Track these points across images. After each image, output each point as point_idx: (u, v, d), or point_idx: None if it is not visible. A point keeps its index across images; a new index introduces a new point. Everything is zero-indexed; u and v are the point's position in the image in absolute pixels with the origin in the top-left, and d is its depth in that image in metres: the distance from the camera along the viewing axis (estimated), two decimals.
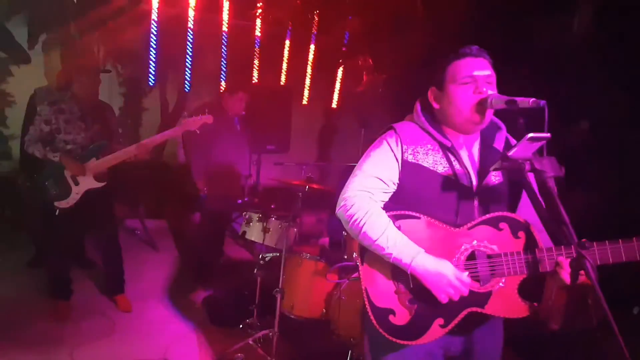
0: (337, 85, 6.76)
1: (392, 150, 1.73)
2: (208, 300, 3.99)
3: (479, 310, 1.62)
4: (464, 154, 1.74)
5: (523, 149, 1.46)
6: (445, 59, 1.74)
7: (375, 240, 1.63)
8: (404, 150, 1.72)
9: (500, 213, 1.65)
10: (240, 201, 5.70)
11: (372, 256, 1.69)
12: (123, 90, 5.96)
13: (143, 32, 5.36)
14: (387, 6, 5.28)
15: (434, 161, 1.71)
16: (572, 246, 1.46)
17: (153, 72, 5.58)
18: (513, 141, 1.81)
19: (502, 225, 1.63)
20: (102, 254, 3.85)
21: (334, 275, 3.39)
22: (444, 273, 1.57)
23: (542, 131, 1.45)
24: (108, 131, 3.60)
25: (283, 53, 6.38)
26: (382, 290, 1.68)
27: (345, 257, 3.31)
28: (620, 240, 1.49)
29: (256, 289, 3.51)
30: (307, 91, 6.66)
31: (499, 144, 1.79)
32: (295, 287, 3.34)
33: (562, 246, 1.55)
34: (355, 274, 3.24)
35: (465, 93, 1.66)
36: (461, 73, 1.67)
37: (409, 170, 1.71)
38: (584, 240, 1.41)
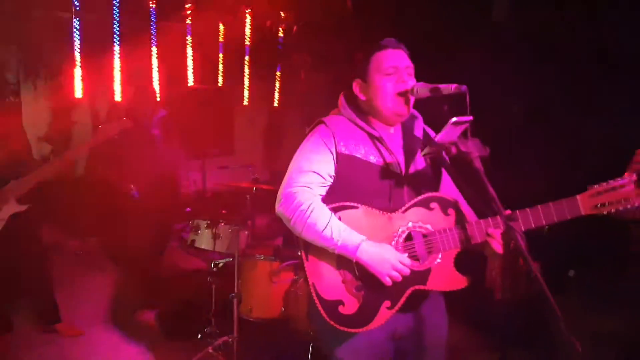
0: (277, 85, 6.77)
1: (326, 144, 1.77)
2: (161, 315, 3.87)
3: (422, 287, 1.70)
4: (390, 143, 1.81)
5: (448, 133, 1.54)
6: (367, 51, 1.80)
7: (321, 233, 1.66)
8: (337, 143, 1.77)
9: (430, 194, 1.73)
10: (188, 209, 5.64)
11: (316, 250, 1.72)
12: (49, 104, 5.69)
13: (64, 41, 5.14)
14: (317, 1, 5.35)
15: (366, 152, 1.77)
16: (499, 218, 1.57)
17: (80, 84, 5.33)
18: (429, 129, 1.91)
19: (433, 205, 1.71)
20: (31, 282, 3.55)
21: (289, 273, 3.43)
22: (386, 257, 1.63)
23: (465, 115, 1.53)
24: (23, 148, 3.38)
25: (218, 54, 6.31)
26: (329, 283, 1.72)
27: (300, 253, 3.33)
28: (538, 206, 1.59)
29: (211, 297, 3.47)
30: (247, 92, 6.63)
31: (418, 132, 1.88)
32: (252, 290, 3.33)
33: (489, 218, 1.64)
34: None
35: (390, 83, 1.73)
36: (384, 64, 1.75)
37: (343, 162, 1.75)
38: (509, 212, 1.50)
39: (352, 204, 1.72)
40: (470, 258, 1.70)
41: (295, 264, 3.39)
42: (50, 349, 3.43)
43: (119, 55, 5.44)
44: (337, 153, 1.76)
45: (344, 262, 1.70)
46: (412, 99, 1.74)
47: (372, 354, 1.78)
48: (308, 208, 1.68)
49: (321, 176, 1.75)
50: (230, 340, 3.17)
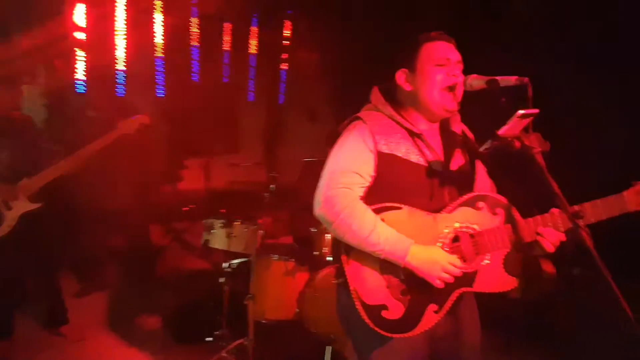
0: (283, 81, 6.68)
1: (365, 143, 1.70)
2: (168, 318, 3.75)
3: (469, 289, 1.63)
4: (431, 140, 1.74)
5: (513, 127, 1.47)
6: (417, 40, 1.74)
7: (366, 238, 1.59)
8: (377, 141, 1.69)
9: (477, 193, 1.66)
10: (186, 208, 5.53)
11: (358, 254, 1.64)
12: (45, 102, 5.55)
13: (66, 37, 5.00)
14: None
15: (406, 150, 1.70)
16: (555, 214, 1.53)
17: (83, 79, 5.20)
18: (464, 126, 1.84)
19: (480, 204, 1.64)
20: (41, 283, 3.48)
21: (303, 273, 3.35)
22: (436, 260, 1.57)
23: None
24: (34, 146, 3.27)
25: (222, 50, 6.21)
26: (372, 287, 1.64)
27: (316, 252, 3.26)
28: (585, 203, 1.55)
29: (222, 299, 3.34)
30: (252, 88, 6.54)
31: (456, 128, 1.81)
32: (266, 291, 3.24)
33: (539, 216, 1.58)
34: (326, 270, 3.21)
35: (441, 74, 1.67)
36: (436, 54, 1.69)
37: (384, 161, 1.68)
38: (576, 208, 1.45)
39: (395, 204, 1.65)
40: (519, 258, 1.63)
41: (312, 264, 3.33)
42: (52, 354, 3.30)
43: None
44: (377, 152, 1.68)
45: (389, 265, 1.62)
46: (459, 96, 1.66)
47: (411, 356, 1.71)
48: (352, 212, 1.61)
49: (362, 176, 1.68)
50: (245, 342, 3.08)
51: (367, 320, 1.62)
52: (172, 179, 6.32)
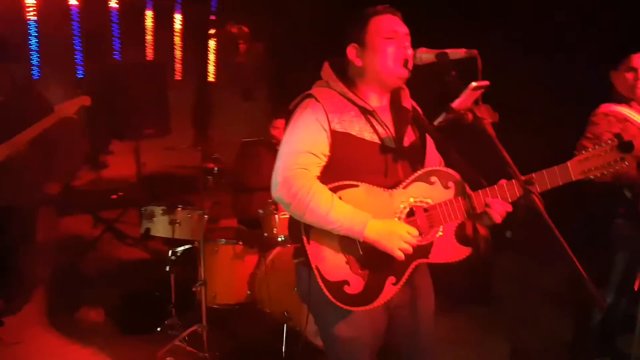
0: (212, 57, 6.46)
1: (319, 122, 1.69)
2: (115, 311, 3.61)
3: (425, 260, 1.70)
4: (383, 116, 1.76)
5: (465, 99, 1.51)
6: (365, 15, 1.75)
7: (324, 216, 1.60)
8: (330, 120, 1.69)
9: (430, 168, 1.71)
10: (114, 196, 5.29)
11: (318, 233, 1.66)
12: None
13: None
14: None
15: (360, 128, 1.72)
16: (503, 186, 1.62)
17: None
18: (413, 102, 1.87)
19: (433, 178, 1.70)
20: None
21: (253, 255, 3.34)
22: (394, 230, 1.61)
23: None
24: None
25: (145, 25, 5.89)
26: (332, 264, 1.67)
27: (265, 234, 3.25)
28: (532, 174, 1.62)
29: (170, 288, 3.26)
30: (179, 65, 6.28)
31: (406, 103, 1.84)
32: (215, 276, 3.21)
33: (487, 188, 1.66)
34: (276, 250, 3.21)
35: (391, 46, 1.69)
36: (384, 27, 1.70)
37: (338, 140, 1.69)
38: (528, 176, 1.54)
39: (352, 182, 1.67)
40: (470, 229, 1.71)
41: (261, 245, 3.32)
42: None
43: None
44: (331, 131, 1.68)
45: (347, 242, 1.66)
46: (410, 66, 1.69)
47: (371, 326, 1.77)
48: (309, 192, 1.61)
49: (317, 156, 1.68)
50: (199, 329, 3.04)
51: (330, 296, 1.65)
52: (97, 165, 6.01)
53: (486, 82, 1.49)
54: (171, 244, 3.29)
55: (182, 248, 3.34)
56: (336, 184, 1.66)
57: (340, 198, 1.64)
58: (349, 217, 1.60)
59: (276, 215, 3.20)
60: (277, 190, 1.66)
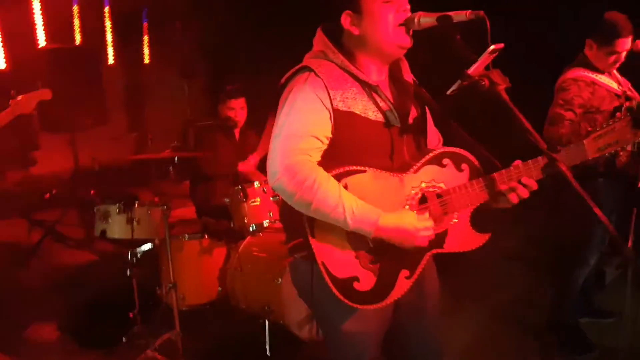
0: (146, 38, 6.00)
1: (321, 99, 1.50)
2: (70, 324, 3.22)
3: (440, 251, 1.58)
4: (386, 91, 1.60)
5: (481, 64, 1.38)
6: None
7: (332, 211, 1.44)
8: (332, 98, 1.50)
9: (442, 149, 1.58)
10: (47, 196, 4.85)
11: (323, 226, 1.50)
12: None
13: None
14: None
15: (364, 107, 1.55)
16: (519, 167, 1.52)
17: None
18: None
19: (445, 161, 1.57)
20: None
21: (221, 249, 3.13)
22: (407, 228, 1.47)
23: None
24: None
25: (71, 8, 5.34)
26: (340, 259, 1.52)
27: (234, 224, 3.05)
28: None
29: (130, 293, 2.95)
30: (112, 49, 5.79)
31: (407, 76, 1.69)
32: (182, 275, 2.96)
33: (503, 171, 1.55)
34: (247, 240, 3.02)
35: (390, 11, 1.51)
36: None
37: (341, 120, 1.51)
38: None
39: (358, 167, 1.50)
40: (487, 214, 1.61)
41: (230, 237, 3.11)
42: None
43: None
44: (334, 110, 1.51)
45: (356, 234, 1.50)
46: (411, 32, 1.52)
47: (379, 323, 1.66)
48: (314, 183, 1.43)
49: (319, 140, 1.50)
50: (173, 337, 2.79)
51: (339, 294, 1.50)
52: (25, 163, 5.47)
53: (502, 45, 1.36)
54: (128, 245, 2.99)
55: (143, 248, 3.06)
56: (341, 169, 1.50)
57: (346, 186, 1.48)
58: (358, 214, 1.45)
59: (245, 204, 3.00)
60: (277, 179, 1.47)
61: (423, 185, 1.55)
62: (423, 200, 1.56)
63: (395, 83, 1.66)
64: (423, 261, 1.57)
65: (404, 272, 1.56)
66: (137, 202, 2.90)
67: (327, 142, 1.52)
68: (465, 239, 1.59)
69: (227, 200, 3.08)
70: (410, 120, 1.63)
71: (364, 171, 1.51)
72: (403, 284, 1.56)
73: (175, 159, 2.91)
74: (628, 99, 2.47)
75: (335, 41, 1.59)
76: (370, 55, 1.58)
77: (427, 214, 1.53)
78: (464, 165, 1.57)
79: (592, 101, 2.49)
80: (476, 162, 1.57)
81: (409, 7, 1.54)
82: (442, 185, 1.56)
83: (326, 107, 1.50)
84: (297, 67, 1.58)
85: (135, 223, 2.85)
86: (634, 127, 1.54)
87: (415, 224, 1.48)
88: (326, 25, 1.63)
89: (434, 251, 1.57)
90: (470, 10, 1.42)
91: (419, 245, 1.50)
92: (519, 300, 3.35)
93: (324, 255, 1.51)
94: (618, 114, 2.26)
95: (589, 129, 2.46)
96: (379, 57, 1.58)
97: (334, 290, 1.51)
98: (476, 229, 1.59)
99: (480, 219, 1.59)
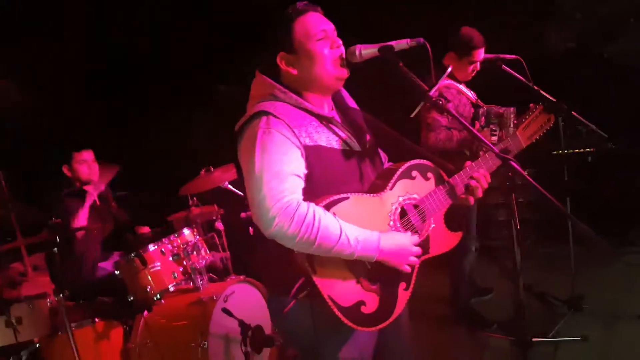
0: None
1: (289, 139, 1.50)
2: None
3: (427, 256, 1.68)
4: (340, 121, 1.67)
5: (438, 87, 1.53)
6: (285, 18, 1.59)
7: (336, 245, 1.45)
8: (298, 135, 1.52)
9: (409, 163, 1.69)
10: None
11: (322, 260, 1.48)
12: None
13: None
14: None
15: (327, 138, 1.60)
16: (472, 165, 1.71)
17: None
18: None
19: (414, 173, 1.69)
20: None
21: (117, 329, 2.73)
22: (404, 246, 1.56)
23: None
24: None
25: None
26: (344, 289, 1.52)
27: (132, 297, 2.69)
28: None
29: None
30: None
31: (351, 103, 1.79)
32: None
33: (459, 172, 1.72)
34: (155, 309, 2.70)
35: (325, 47, 1.57)
36: (313, 29, 1.57)
37: (312, 154, 1.54)
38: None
39: (341, 195, 1.53)
40: (456, 213, 1.76)
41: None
42: None
43: None
44: (303, 146, 1.52)
45: (355, 261, 1.52)
46: (345, 63, 1.60)
47: (371, 341, 1.68)
48: (314, 219, 1.42)
49: (299, 177, 1.51)
50: None
51: (349, 323, 1.50)
52: None
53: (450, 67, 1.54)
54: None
55: (26, 352, 2.49)
56: (326, 200, 1.51)
57: (334, 214, 1.49)
58: (361, 240, 1.49)
59: (145, 272, 2.69)
60: (276, 225, 1.42)
61: (400, 199, 1.64)
62: (403, 213, 1.64)
63: (343, 112, 1.73)
64: (416, 270, 1.65)
65: (402, 285, 1.62)
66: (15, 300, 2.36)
67: (304, 178, 1.52)
68: (444, 240, 1.72)
69: (117, 272, 2.71)
70: (367, 144, 1.72)
71: (347, 198, 1.54)
72: (403, 296, 1.62)
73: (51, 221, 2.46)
74: (478, 106, 2.95)
75: (278, 82, 1.61)
76: (312, 90, 1.63)
77: (416, 237, 1.62)
78: (429, 174, 1.71)
79: (459, 108, 2.91)
80: (439, 169, 1.73)
81: (341, 42, 1.62)
82: (415, 195, 1.67)
83: (296, 145, 1.51)
84: (250, 114, 1.54)
85: (17, 325, 2.31)
86: (547, 112, 1.86)
87: (409, 243, 1.57)
88: (263, 68, 1.64)
89: (423, 258, 1.66)
90: (409, 39, 1.57)
91: (411, 264, 1.58)
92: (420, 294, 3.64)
93: (328, 289, 1.50)
94: (510, 108, 2.71)
95: (459, 135, 2.89)
96: (320, 91, 1.64)
97: (346, 320, 1.50)
98: (450, 229, 1.74)
99: (451, 219, 1.74)
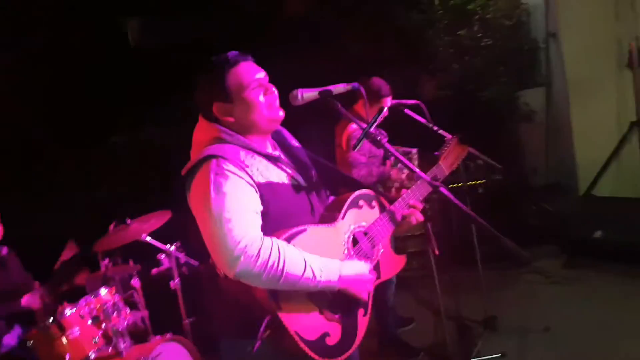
0: None
1: (243, 178, 1.52)
2: None
3: (379, 281, 1.74)
4: (285, 159, 1.73)
5: (376, 124, 1.66)
6: (217, 69, 1.62)
7: (301, 277, 1.47)
8: (250, 174, 1.55)
9: (356, 193, 1.77)
10: None
11: (286, 295, 1.50)
12: None
13: None
14: None
15: (277, 175, 1.65)
16: (409, 193, 1.85)
17: None
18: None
19: (360, 202, 1.77)
20: None
21: None
22: (362, 273, 1.62)
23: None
24: None
25: None
26: (308, 322, 1.53)
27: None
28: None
29: None
30: None
31: (292, 141, 1.85)
32: None
33: (399, 199, 1.84)
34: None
35: (259, 94, 1.63)
36: (246, 79, 1.62)
37: (265, 191, 1.57)
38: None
39: (299, 228, 1.56)
40: (399, 238, 1.86)
41: None
42: None
43: None
44: (256, 184, 1.55)
45: (316, 293, 1.55)
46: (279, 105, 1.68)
47: None
48: (279, 254, 1.44)
49: (258, 214, 1.52)
50: None
51: (316, 357, 1.51)
52: None
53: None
54: None
55: None
56: (285, 234, 1.54)
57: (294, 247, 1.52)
58: (324, 270, 1.52)
59: (62, 339, 2.42)
60: (240, 264, 1.40)
61: (352, 227, 1.71)
62: (355, 241, 1.71)
63: (286, 150, 1.79)
64: (371, 295, 1.70)
65: (361, 312, 1.67)
66: None
67: (260, 215, 1.54)
68: (391, 263, 1.81)
69: (29, 343, 2.42)
70: (313, 179, 1.78)
71: (305, 230, 1.58)
72: (362, 322, 1.67)
73: None
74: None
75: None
76: (252, 133, 1.66)
77: (366, 261, 1.68)
78: (374, 202, 1.80)
79: (372, 148, 3.11)
80: (381, 198, 1.83)
81: (274, 87, 1.67)
82: (364, 223, 1.75)
83: (249, 184, 1.54)
84: (198, 158, 1.54)
85: None
86: (462, 144, 2.08)
87: (367, 270, 1.64)
88: (204, 114, 1.66)
89: (376, 283, 1.72)
90: (345, 84, 1.72)
91: (368, 292, 1.64)
92: None
93: (294, 324, 1.50)
94: (413, 150, 2.96)
95: (377, 170, 3.09)
96: (259, 133, 1.68)
97: (314, 355, 1.51)
98: (396, 252, 1.83)
99: (396, 244, 1.84)
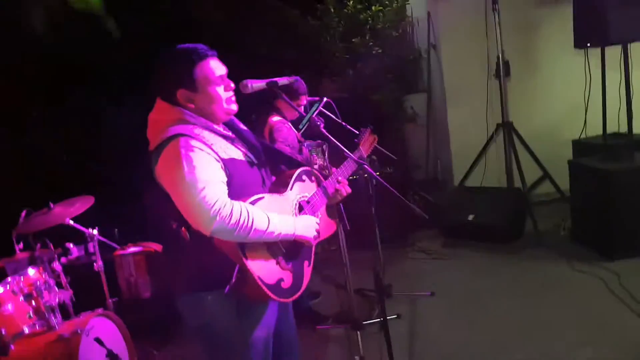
0: None
1: (210, 154, 1.79)
2: None
3: (320, 239, 2.12)
4: (239, 140, 2.03)
5: (317, 112, 2.04)
6: (188, 60, 1.85)
7: (267, 229, 1.79)
8: (215, 151, 1.82)
9: (300, 169, 2.12)
10: None
11: (250, 247, 1.81)
12: None
13: None
14: None
15: (235, 152, 1.93)
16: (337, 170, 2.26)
17: None
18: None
19: (303, 177, 2.13)
20: None
21: None
22: (311, 222, 2.00)
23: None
24: None
25: None
26: (268, 269, 1.86)
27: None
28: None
29: None
30: None
31: (239, 124, 2.14)
32: None
33: (330, 176, 2.24)
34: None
35: (221, 90, 1.91)
36: (212, 75, 1.87)
37: (230, 165, 1.85)
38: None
39: (258, 196, 1.88)
40: (332, 207, 2.26)
41: None
42: None
43: None
44: (221, 159, 1.83)
45: (272, 245, 1.89)
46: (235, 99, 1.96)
47: (274, 317, 2.06)
48: (248, 213, 1.74)
49: (224, 184, 1.80)
50: None
51: (275, 297, 1.85)
52: None
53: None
54: None
55: None
56: (249, 200, 1.84)
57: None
58: (283, 223, 1.86)
59: None
60: (216, 223, 1.68)
61: (298, 197, 2.08)
62: (300, 207, 2.08)
63: (236, 133, 2.07)
64: (313, 250, 2.08)
65: (306, 263, 2.04)
66: None
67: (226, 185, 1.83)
68: (327, 227, 2.20)
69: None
70: (261, 156, 2.10)
71: (263, 197, 1.91)
72: (308, 271, 2.04)
73: None
74: (300, 141, 3.59)
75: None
76: (208, 119, 1.91)
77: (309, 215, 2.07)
78: (313, 178, 2.18)
79: (288, 139, 3.47)
80: (318, 174, 2.22)
81: (232, 83, 1.95)
82: (306, 194, 2.12)
83: (216, 159, 1.81)
84: (166, 137, 1.77)
85: None
86: (373, 134, 2.55)
87: (313, 219, 2.02)
88: (163, 97, 1.88)
89: (317, 241, 2.10)
90: (287, 77, 2.12)
91: (316, 237, 2.02)
92: None
93: (257, 270, 1.82)
94: (324, 143, 3.37)
95: (299, 158, 3.46)
96: (214, 121, 1.94)
97: (272, 295, 1.84)
98: (330, 218, 2.24)
99: (330, 211, 2.25)
